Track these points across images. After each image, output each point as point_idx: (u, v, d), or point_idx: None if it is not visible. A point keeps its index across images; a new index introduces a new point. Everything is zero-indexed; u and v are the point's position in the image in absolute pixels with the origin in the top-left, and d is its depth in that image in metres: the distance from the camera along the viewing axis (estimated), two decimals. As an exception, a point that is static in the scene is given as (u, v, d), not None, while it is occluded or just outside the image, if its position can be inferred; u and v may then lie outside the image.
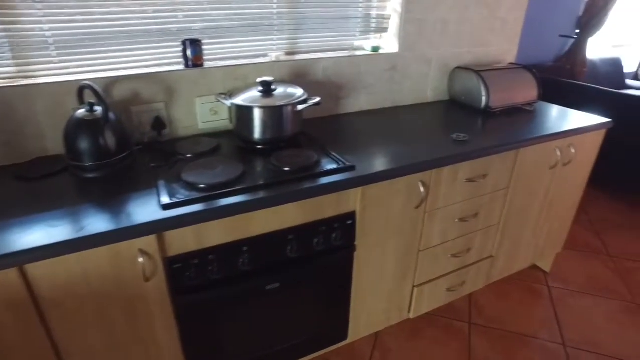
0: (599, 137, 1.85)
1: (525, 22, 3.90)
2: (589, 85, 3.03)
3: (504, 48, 2.14)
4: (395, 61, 1.82)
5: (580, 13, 4.05)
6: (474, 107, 1.88)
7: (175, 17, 1.43)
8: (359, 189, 1.26)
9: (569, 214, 2.01)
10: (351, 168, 1.26)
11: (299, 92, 1.43)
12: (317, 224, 1.24)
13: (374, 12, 1.79)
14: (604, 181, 3.14)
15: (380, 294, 1.53)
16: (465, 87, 1.92)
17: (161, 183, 1.13)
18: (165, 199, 1.04)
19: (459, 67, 1.96)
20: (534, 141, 1.58)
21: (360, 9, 1.75)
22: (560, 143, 1.70)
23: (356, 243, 1.35)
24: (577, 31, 4.06)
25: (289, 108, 1.36)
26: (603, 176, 3.13)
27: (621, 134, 2.84)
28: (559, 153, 1.71)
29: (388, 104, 1.89)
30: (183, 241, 1.05)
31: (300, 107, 1.37)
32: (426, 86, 1.97)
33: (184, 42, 1.44)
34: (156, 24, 1.42)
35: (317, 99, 1.41)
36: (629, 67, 4.87)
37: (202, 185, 1.11)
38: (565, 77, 3.98)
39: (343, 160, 1.29)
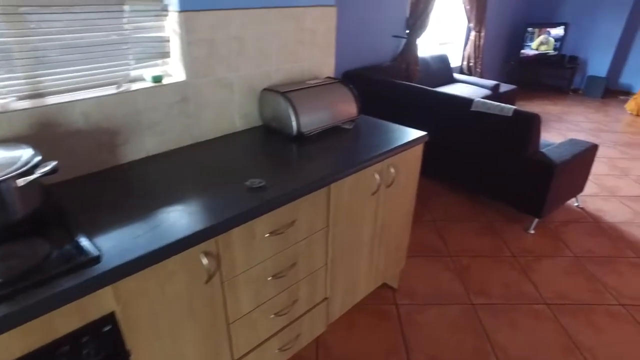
0: (418, 149, 1.80)
1: (359, 25, 3.96)
2: (409, 84, 3.12)
3: (319, 61, 1.99)
4: (185, 91, 1.51)
5: (408, 14, 4.25)
6: (286, 133, 1.67)
7: None
8: (108, 288, 0.93)
9: (404, 231, 1.96)
10: (94, 260, 0.92)
11: (24, 156, 1.04)
12: (52, 346, 0.88)
13: (148, 34, 1.45)
14: (443, 175, 3.29)
15: (190, 386, 1.23)
16: (274, 111, 1.71)
17: None
18: None
19: (266, 89, 1.74)
20: (346, 173, 1.43)
21: (126, 32, 1.40)
22: (379, 167, 1.59)
23: (129, 348, 1.03)
24: (407, 31, 4.26)
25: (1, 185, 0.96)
26: (436, 170, 3.28)
27: (442, 132, 2.98)
28: (377, 177, 1.60)
29: (186, 142, 1.58)
30: None
31: (21, 182, 0.98)
32: (232, 114, 1.71)
33: None
34: None
35: (52, 165, 1.03)
36: (455, 62, 5.33)
37: None
38: (402, 76, 4.14)
39: (88, 247, 0.94)
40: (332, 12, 1.94)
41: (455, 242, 2.57)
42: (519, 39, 5.88)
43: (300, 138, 1.66)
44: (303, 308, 1.54)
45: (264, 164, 1.45)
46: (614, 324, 1.99)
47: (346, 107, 1.83)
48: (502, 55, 6.16)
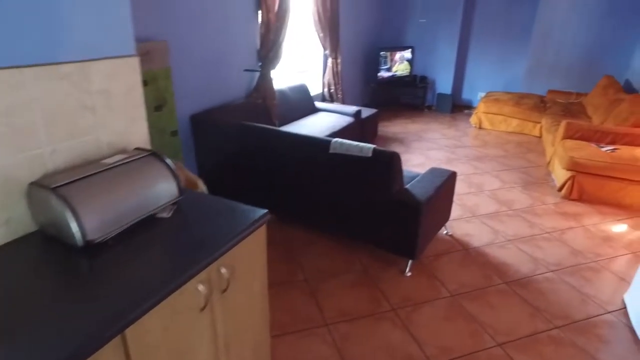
0: (261, 232, 1.44)
1: (206, 61, 3.52)
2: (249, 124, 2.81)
3: (123, 129, 1.51)
4: None
5: (258, 46, 3.97)
6: (68, 242, 1.16)
7: None
8: None
9: (260, 334, 1.58)
10: None
11: None
12: None
13: None
14: (311, 222, 3.02)
15: None
16: (47, 213, 1.19)
17: None
18: None
19: (34, 183, 1.21)
20: (150, 305, 0.99)
21: None
22: (204, 275, 1.18)
23: None
24: (260, 64, 3.97)
25: None
26: (303, 217, 3.00)
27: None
28: (203, 288, 1.18)
29: None
30: None
31: None
32: (-21, 225, 1.14)
33: None
34: None
35: None
36: (316, 89, 5.24)
37: None
38: (260, 112, 3.82)
39: None
40: (133, 64, 1.50)
41: (330, 304, 2.29)
42: (375, 63, 6.09)
43: (90, 248, 1.17)
44: None
45: (20, 307, 0.93)
46: (497, 376, 1.88)
47: (161, 188, 1.39)
48: (361, 79, 6.31)
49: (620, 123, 4.15)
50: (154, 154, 1.46)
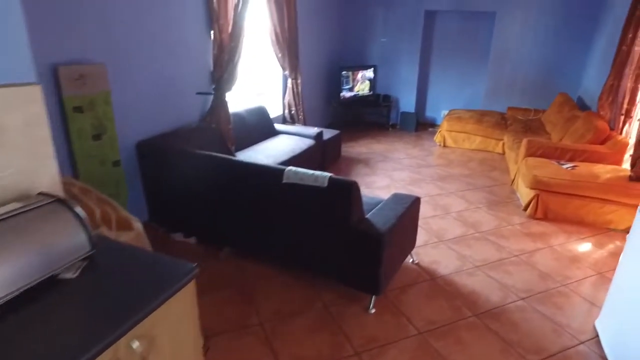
0: (189, 289, 1.22)
1: (155, 84, 3.26)
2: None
3: (26, 170, 1.27)
4: None
5: (212, 68, 3.78)
6: None
7: None
8: None
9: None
10: None
11: None
12: None
13: None
14: (270, 255, 2.81)
15: None
16: None
17: None
18: None
19: None
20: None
21: None
22: (110, 354, 0.95)
23: None
24: (214, 86, 3.77)
25: None
26: (260, 249, 2.79)
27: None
28: (108, 373, 0.95)
29: None
30: None
31: None
32: None
33: None
34: None
35: None
36: (277, 111, 5.08)
37: None
38: (215, 137, 3.60)
39: None
40: (33, 93, 1.26)
41: (289, 351, 2.06)
42: (337, 82, 6.01)
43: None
44: None
45: None
46: None
47: (66, 243, 1.15)
48: (324, 99, 6.21)
49: (577, 140, 4.18)
50: (61, 200, 1.22)
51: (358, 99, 6.34)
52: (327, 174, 2.24)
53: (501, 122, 5.61)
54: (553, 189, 3.53)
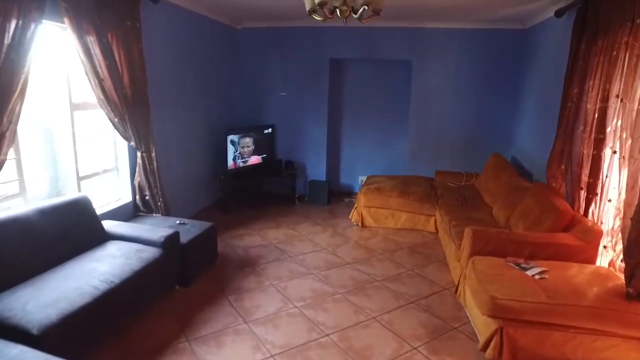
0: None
1: None
2: None
3: None
4: None
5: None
6: None
7: None
8: None
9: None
10: None
11: None
12: None
13: None
14: None
15: None
16: None
17: None
18: None
19: None
20: None
21: None
22: None
23: None
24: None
25: None
26: None
27: None
28: None
29: None
30: None
31: None
32: None
33: None
34: None
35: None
36: (124, 198, 3.45)
37: None
38: None
39: None
40: None
41: None
42: (223, 150, 4.58)
43: None
44: None
45: None
46: None
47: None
48: (208, 172, 4.74)
49: (532, 225, 3.09)
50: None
51: (252, 168, 4.96)
52: None
53: (430, 192, 4.51)
54: (522, 317, 2.29)
